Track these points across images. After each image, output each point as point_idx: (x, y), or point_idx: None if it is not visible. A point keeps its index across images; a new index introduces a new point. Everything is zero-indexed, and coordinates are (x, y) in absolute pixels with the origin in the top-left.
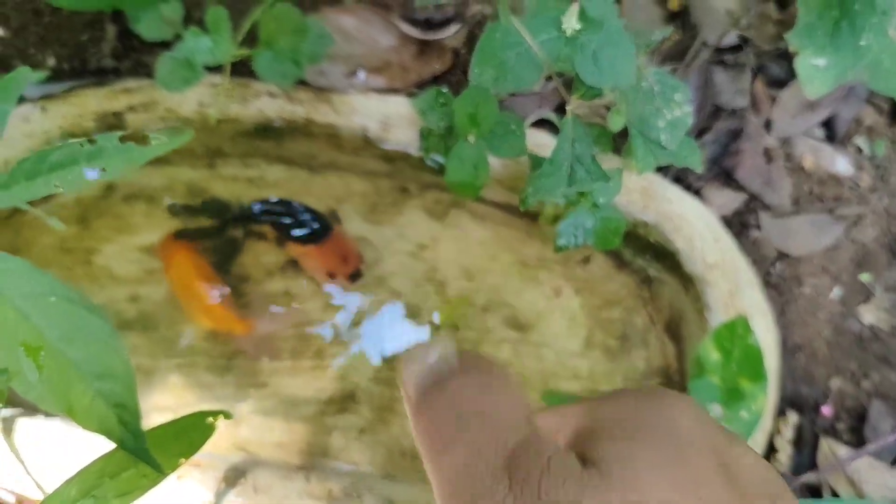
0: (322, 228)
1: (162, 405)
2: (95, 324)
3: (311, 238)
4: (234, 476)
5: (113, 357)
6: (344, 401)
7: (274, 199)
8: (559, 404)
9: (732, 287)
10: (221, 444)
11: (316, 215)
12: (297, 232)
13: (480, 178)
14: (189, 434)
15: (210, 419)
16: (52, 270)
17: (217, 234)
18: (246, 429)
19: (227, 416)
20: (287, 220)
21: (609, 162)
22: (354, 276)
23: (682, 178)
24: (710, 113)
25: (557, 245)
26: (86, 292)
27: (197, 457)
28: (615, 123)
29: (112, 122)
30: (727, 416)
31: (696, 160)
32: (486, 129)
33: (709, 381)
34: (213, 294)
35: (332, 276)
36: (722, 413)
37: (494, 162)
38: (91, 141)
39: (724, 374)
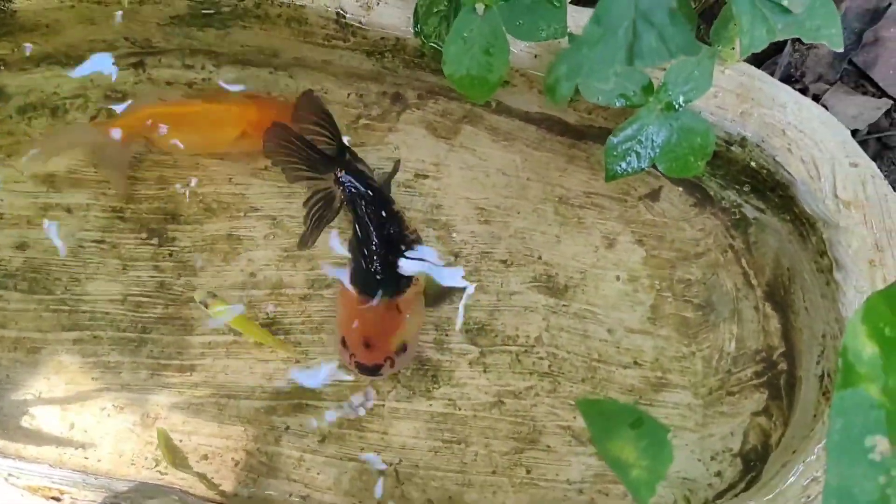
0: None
1: (48, 396)
2: None
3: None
4: None
5: None
6: (302, 393)
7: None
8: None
9: (879, 236)
10: (121, 455)
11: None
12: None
13: (495, 69)
14: None
15: None
16: None
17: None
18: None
19: None
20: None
21: None
22: (371, 370)
23: (793, 78)
24: None
25: (609, 170)
26: None
27: (62, 484)
28: None
29: None
30: None
31: (834, 33)
32: None
33: (863, 395)
34: None
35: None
36: (890, 450)
37: (521, 50)
38: None
39: (889, 382)
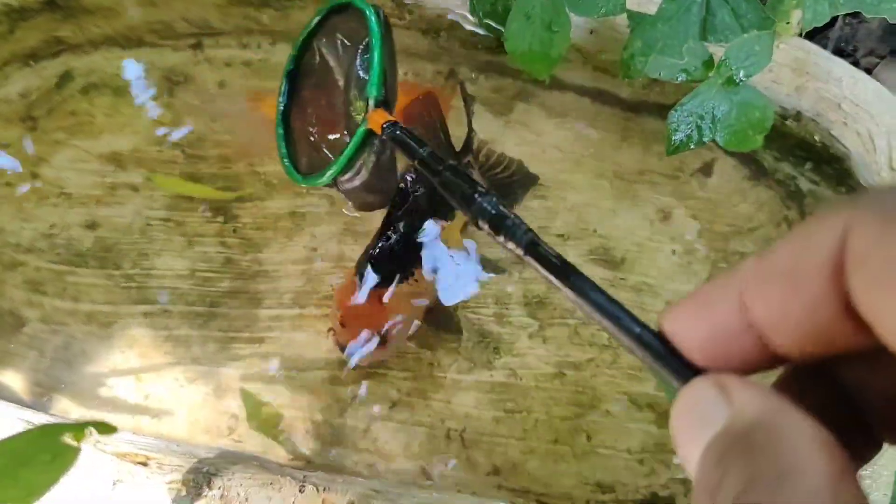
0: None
1: (122, 367)
2: None
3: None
4: (195, 481)
5: None
6: (369, 362)
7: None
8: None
9: None
10: (195, 424)
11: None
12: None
13: (556, 45)
14: (35, 462)
15: (68, 439)
16: None
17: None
18: (232, 402)
19: (106, 429)
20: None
21: None
22: (340, 347)
23: (844, 52)
24: None
25: (670, 142)
26: (28, 215)
27: (148, 450)
28: None
29: None
30: None
31: (895, 7)
32: None
33: None
34: None
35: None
36: None
37: (578, 26)
38: None
39: None
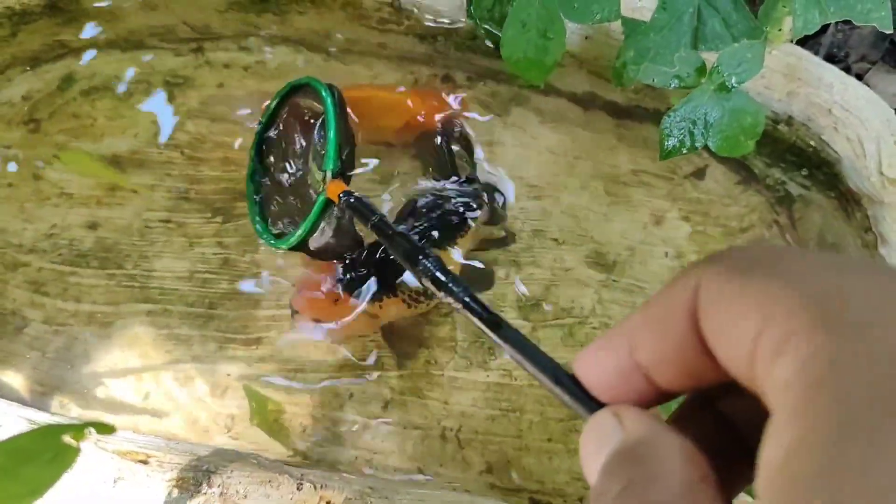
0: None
1: (122, 367)
2: None
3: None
4: (195, 479)
5: None
6: (364, 361)
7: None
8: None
9: None
10: (194, 423)
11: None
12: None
13: (551, 52)
14: (36, 461)
15: (68, 438)
16: None
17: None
18: (230, 401)
19: (104, 429)
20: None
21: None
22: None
23: (836, 58)
24: None
25: (664, 148)
26: (30, 216)
27: (148, 449)
28: None
29: None
30: None
31: (885, 16)
32: None
33: None
34: None
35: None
36: None
37: (573, 32)
38: None
39: None
